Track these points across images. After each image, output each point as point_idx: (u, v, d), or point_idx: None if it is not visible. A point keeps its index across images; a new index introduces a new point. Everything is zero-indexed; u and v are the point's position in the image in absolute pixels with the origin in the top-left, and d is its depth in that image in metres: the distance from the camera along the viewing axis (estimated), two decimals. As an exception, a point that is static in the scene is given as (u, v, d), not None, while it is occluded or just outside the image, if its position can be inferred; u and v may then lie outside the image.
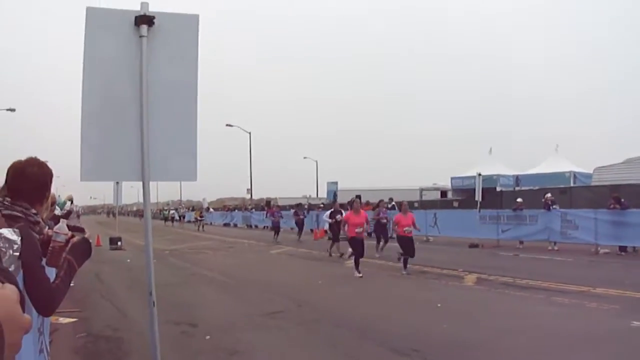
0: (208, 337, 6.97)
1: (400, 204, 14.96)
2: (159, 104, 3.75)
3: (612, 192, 18.30)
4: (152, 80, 3.71)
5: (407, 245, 13.10)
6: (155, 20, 3.68)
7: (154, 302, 3.74)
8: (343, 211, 17.72)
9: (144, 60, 3.67)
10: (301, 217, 27.91)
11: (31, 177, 2.46)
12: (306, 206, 34.06)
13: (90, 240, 2.57)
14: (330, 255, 17.59)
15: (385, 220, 18.66)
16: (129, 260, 16.60)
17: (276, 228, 27.47)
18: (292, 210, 30.32)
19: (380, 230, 18.29)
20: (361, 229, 12.90)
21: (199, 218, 43.61)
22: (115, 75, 3.70)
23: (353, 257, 12.98)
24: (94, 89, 3.64)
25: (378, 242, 17.87)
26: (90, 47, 3.61)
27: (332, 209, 18.95)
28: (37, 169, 2.49)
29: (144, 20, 3.65)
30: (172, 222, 54.96)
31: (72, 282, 2.43)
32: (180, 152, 3.86)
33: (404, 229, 13.13)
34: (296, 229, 27.98)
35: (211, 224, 44.79)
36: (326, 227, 18.89)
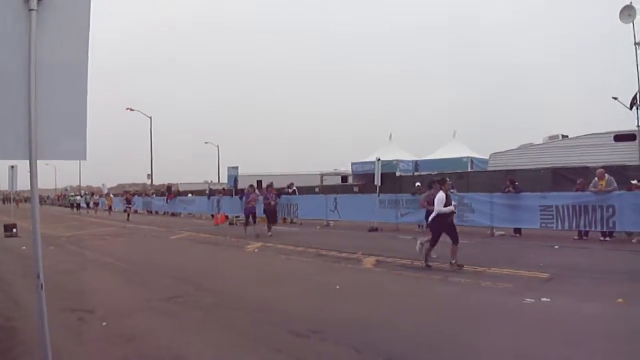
0: (105, 323, 6.81)
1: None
2: (48, 80, 3.64)
3: (507, 177, 19.01)
4: (41, 55, 3.60)
5: None
6: (45, -6, 3.56)
7: (42, 285, 3.66)
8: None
9: (32, 35, 3.55)
10: (272, 202, 21.05)
11: None
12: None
13: None
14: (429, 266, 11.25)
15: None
16: (24, 248, 15.70)
17: (251, 214, 20.62)
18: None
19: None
20: None
21: (126, 205, 39.15)
22: (2, 48, 3.55)
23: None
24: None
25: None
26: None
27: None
28: None
29: (34, -8, 3.52)
30: (78, 208, 52.73)
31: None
32: (70, 131, 3.77)
33: None
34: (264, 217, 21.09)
35: (111, 209, 43.39)
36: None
